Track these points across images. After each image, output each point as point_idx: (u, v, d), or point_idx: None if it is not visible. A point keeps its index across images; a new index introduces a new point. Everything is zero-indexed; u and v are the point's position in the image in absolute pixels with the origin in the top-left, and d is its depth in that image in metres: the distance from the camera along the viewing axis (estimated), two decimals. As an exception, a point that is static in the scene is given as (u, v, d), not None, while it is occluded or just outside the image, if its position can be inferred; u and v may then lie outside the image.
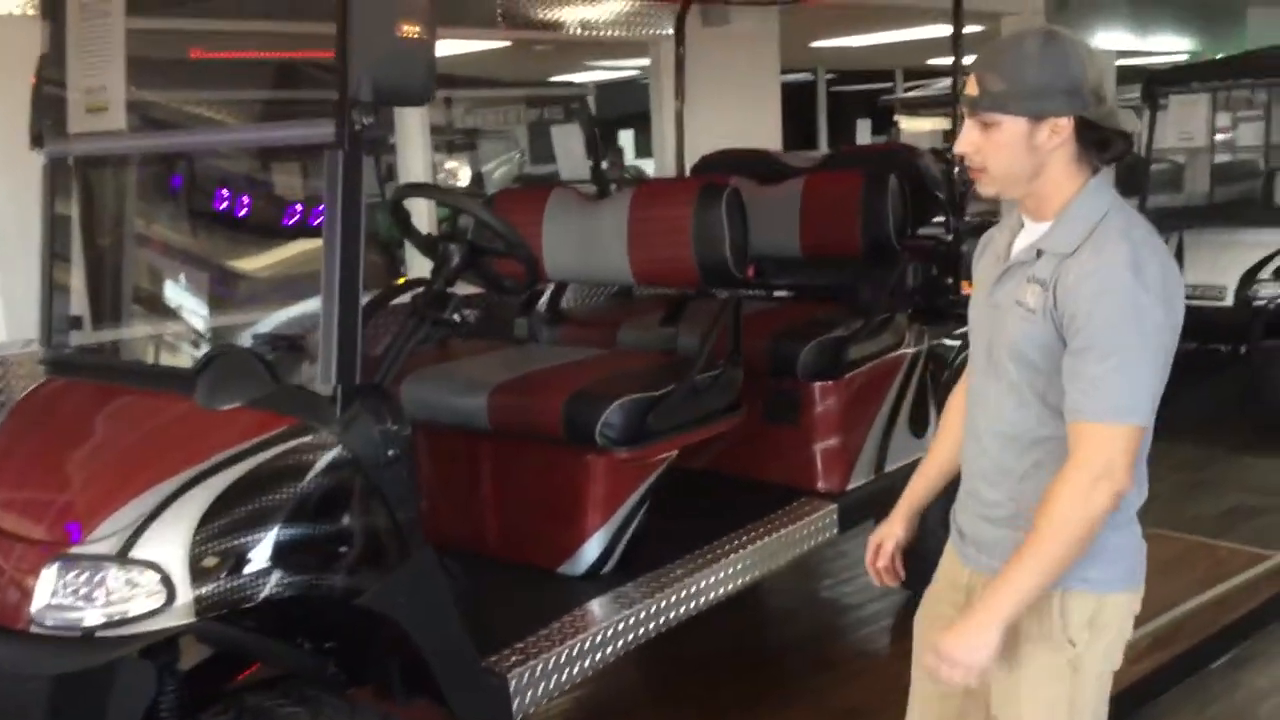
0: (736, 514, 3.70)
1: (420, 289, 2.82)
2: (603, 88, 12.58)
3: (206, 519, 2.31)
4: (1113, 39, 8.26)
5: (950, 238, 4.50)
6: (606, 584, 3.23)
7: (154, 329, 3.97)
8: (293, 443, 2.44)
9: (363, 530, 2.48)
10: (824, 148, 12.67)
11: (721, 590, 3.40)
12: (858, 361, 3.97)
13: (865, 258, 4.27)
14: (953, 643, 2.12)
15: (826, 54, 11.86)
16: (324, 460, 2.44)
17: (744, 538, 3.55)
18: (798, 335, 3.94)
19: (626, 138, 13.39)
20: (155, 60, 3.24)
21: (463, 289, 2.97)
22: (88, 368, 3.04)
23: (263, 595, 2.34)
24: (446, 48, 7.05)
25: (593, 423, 3.17)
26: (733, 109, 6.20)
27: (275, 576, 2.34)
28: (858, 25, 9.11)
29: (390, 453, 2.50)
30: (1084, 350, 2.08)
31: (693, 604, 3.29)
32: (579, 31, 5.68)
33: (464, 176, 7.92)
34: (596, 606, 3.12)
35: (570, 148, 7.41)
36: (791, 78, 12.93)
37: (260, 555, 2.33)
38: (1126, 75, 8.47)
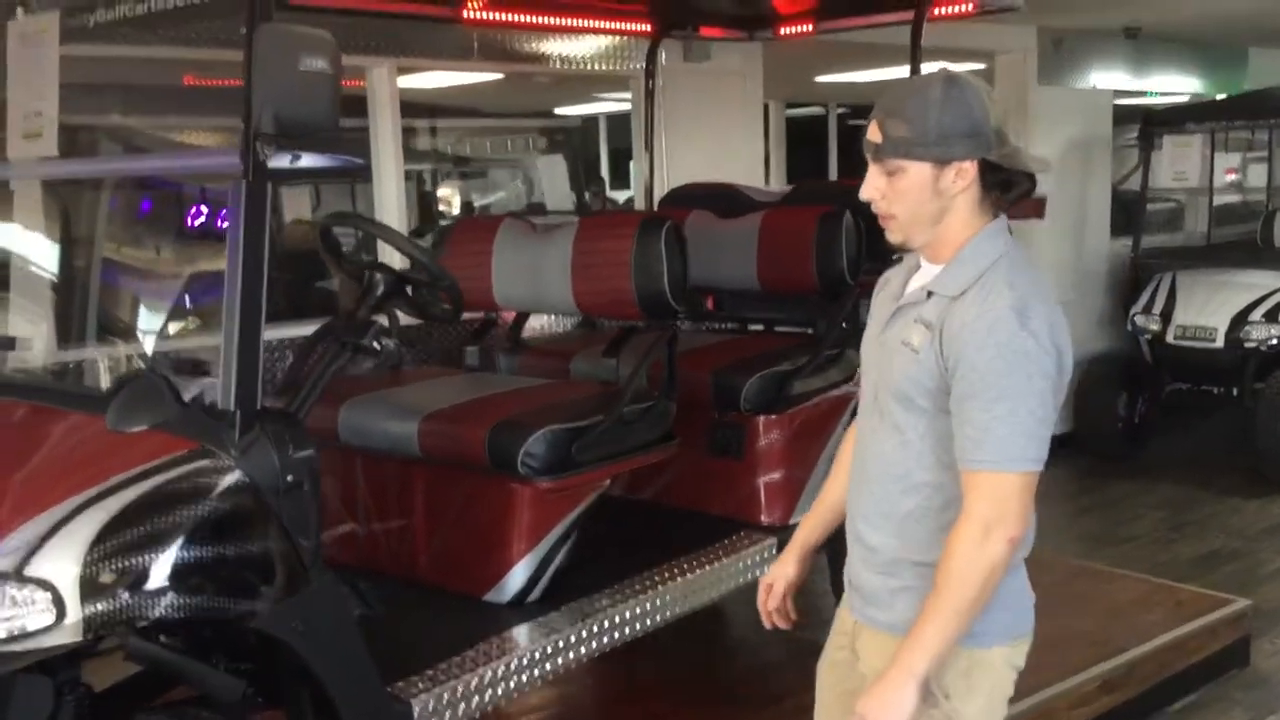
0: (675, 545, 3.71)
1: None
2: (613, 119, 12.68)
3: (99, 539, 2.34)
4: (1110, 79, 8.23)
5: (908, 274, 4.49)
6: (529, 612, 3.25)
7: (115, 350, 4.04)
8: (191, 466, 2.47)
9: (259, 555, 2.51)
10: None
11: (649, 621, 3.40)
12: (803, 396, 3.98)
13: (820, 293, 4.28)
14: (870, 704, 2.11)
15: (835, 89, 11.91)
16: (222, 484, 2.47)
17: (677, 569, 3.56)
18: (742, 369, 3.95)
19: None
20: (93, 86, 3.32)
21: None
22: (19, 388, 3.09)
23: (154, 616, 2.37)
24: (440, 79, 7.14)
25: (515, 452, 3.20)
26: (715, 143, 6.24)
27: (168, 598, 2.37)
28: (858, 61, 9.13)
29: (289, 479, 2.53)
30: (970, 396, 2.08)
31: (616, 634, 3.29)
32: (558, 66, 5.74)
33: (455, 205, 8.00)
34: (514, 634, 3.13)
35: (555, 178, 7.46)
36: (802, 111, 13.00)
37: (152, 576, 2.36)
38: (1125, 116, 8.46)
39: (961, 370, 2.09)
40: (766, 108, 11.76)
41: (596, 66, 5.84)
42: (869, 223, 4.35)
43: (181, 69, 5.77)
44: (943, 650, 2.11)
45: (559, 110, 10.11)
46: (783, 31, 5.43)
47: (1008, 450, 2.06)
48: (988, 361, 2.06)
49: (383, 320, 2.94)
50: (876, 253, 4.62)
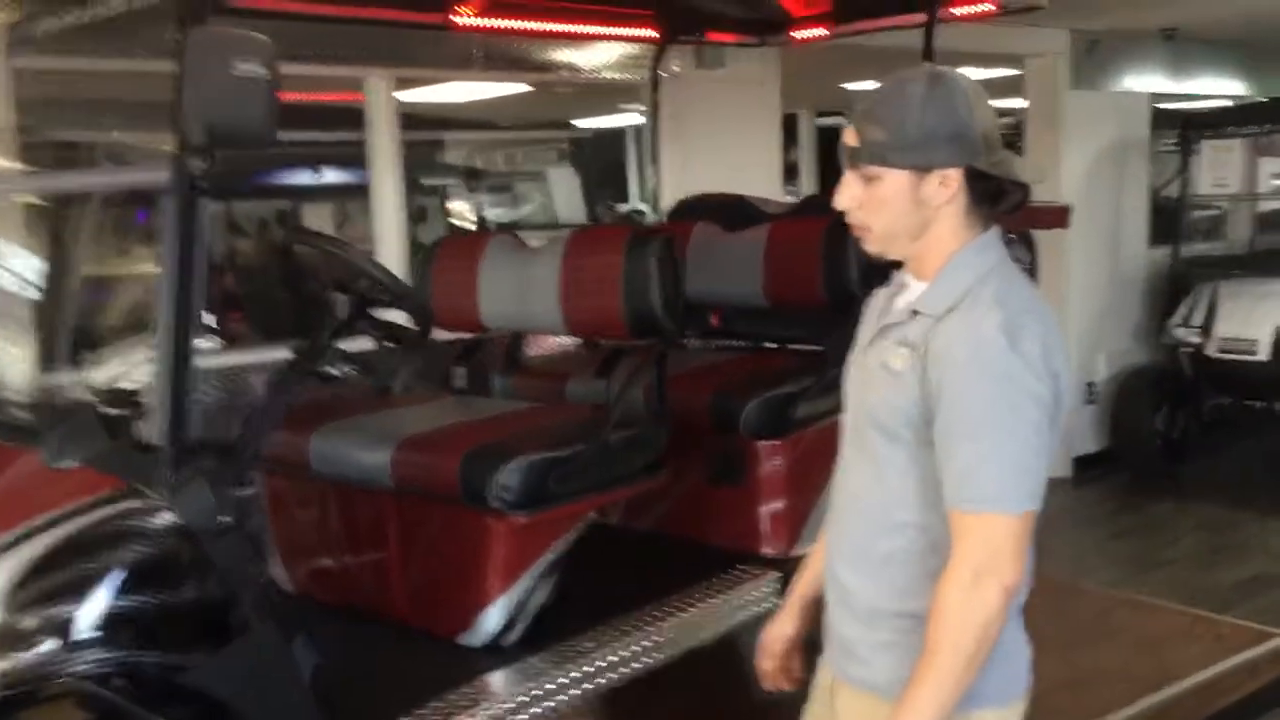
0: (670, 580, 3.48)
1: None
2: (642, 129, 12.48)
3: (15, 589, 2.17)
4: (1146, 82, 7.94)
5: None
6: (506, 656, 3.03)
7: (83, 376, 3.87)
8: (118, 506, 2.30)
9: (192, 603, 2.32)
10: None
11: (639, 664, 3.17)
12: (808, 419, 3.74)
13: (829, 307, 4.05)
14: None
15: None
16: (150, 526, 2.29)
17: (671, 607, 3.33)
18: (743, 390, 3.73)
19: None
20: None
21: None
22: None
23: (74, 670, 2.19)
24: (459, 92, 6.98)
25: (487, 483, 2.99)
26: (731, 153, 6.04)
27: (88, 652, 2.19)
28: (886, 68, 8.92)
29: (222, 519, 2.33)
30: (955, 428, 1.88)
31: (602, 679, 3.06)
32: (567, 74, 5.56)
33: (470, 221, 7.88)
34: (487, 680, 2.91)
35: (567, 191, 7.29)
36: (835, 121, 12.74)
37: (71, 628, 2.18)
38: (1163, 120, 8.16)
39: (946, 397, 1.89)
40: (796, 117, 11.56)
41: (607, 75, 5.66)
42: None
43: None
44: (940, 715, 1.88)
45: (584, 122, 9.96)
46: (796, 36, 5.21)
47: (998, 489, 1.85)
48: (973, 387, 1.86)
49: (349, 345, 2.75)
50: (887, 265, 4.40)
